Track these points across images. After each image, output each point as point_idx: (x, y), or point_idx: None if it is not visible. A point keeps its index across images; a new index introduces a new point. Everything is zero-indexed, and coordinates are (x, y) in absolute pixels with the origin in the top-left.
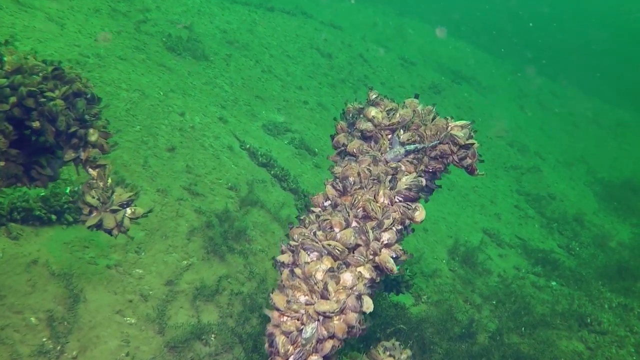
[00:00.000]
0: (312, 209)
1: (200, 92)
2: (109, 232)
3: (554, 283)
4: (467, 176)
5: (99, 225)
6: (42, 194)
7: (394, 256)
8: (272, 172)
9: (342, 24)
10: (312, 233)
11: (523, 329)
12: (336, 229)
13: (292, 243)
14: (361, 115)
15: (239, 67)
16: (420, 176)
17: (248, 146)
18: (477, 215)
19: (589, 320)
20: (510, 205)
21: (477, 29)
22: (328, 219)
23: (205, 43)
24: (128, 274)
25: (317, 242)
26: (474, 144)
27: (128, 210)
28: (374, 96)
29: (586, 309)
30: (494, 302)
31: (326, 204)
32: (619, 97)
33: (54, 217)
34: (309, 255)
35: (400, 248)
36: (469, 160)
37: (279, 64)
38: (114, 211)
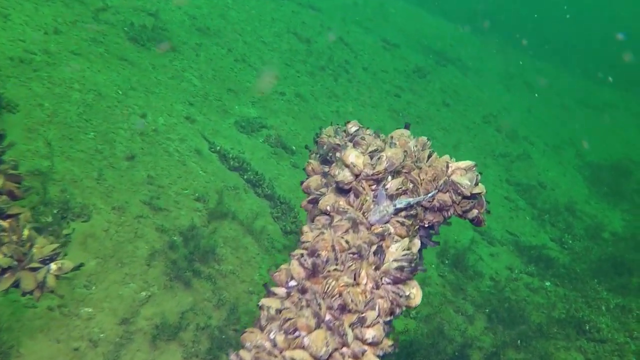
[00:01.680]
0: (274, 289)
1: (165, 88)
2: (30, 294)
3: (548, 283)
4: None
5: (16, 287)
6: None
7: (381, 354)
8: (245, 177)
9: (321, 4)
10: (270, 339)
11: (519, 341)
12: (303, 333)
13: (244, 356)
14: (337, 156)
15: (210, 57)
16: (413, 236)
17: (218, 148)
18: None
19: (587, 327)
20: (501, 197)
21: (461, 6)
22: (292, 319)
23: (172, 32)
24: (74, 315)
25: (275, 356)
26: (481, 192)
27: (53, 266)
28: (353, 129)
29: (583, 312)
30: (487, 311)
31: (291, 283)
32: (606, 77)
33: None
34: None
35: (390, 344)
36: (475, 212)
37: (254, 52)
38: (34, 269)
